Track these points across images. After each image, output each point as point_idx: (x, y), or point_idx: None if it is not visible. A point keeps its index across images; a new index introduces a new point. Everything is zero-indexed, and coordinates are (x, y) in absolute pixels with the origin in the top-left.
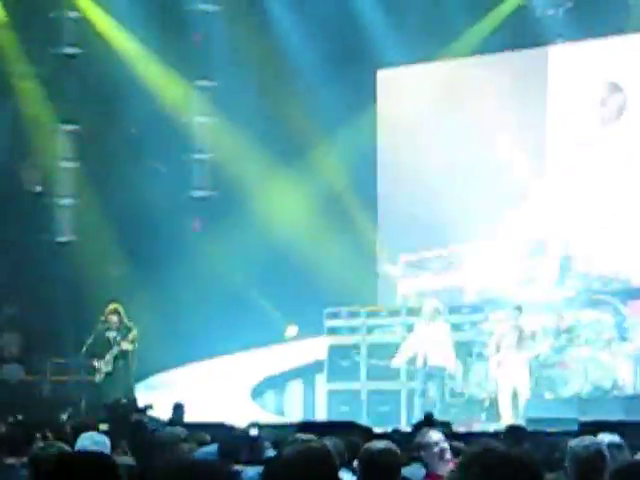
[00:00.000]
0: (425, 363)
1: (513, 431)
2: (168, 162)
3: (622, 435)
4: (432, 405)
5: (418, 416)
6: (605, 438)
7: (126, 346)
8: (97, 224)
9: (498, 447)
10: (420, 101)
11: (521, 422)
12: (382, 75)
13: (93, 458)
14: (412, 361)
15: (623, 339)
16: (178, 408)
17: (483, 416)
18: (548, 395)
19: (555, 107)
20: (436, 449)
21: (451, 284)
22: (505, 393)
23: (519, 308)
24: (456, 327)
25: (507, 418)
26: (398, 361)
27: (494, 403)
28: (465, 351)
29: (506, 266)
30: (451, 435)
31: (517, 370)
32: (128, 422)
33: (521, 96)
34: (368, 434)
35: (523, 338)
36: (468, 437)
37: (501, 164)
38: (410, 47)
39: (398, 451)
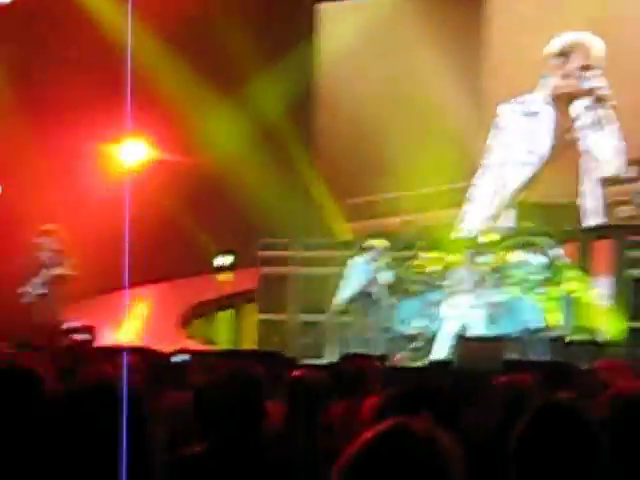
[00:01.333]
0: (364, 298)
1: (438, 366)
2: None
3: (545, 374)
4: (362, 339)
5: (344, 349)
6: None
7: (59, 271)
8: None
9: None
10: (358, 36)
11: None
12: (321, 8)
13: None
14: (354, 297)
15: (554, 281)
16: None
17: (414, 352)
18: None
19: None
20: None
21: (387, 225)
22: (450, 333)
23: (476, 252)
24: (390, 265)
25: (442, 355)
26: (341, 297)
27: (427, 339)
28: (398, 288)
29: (445, 209)
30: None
31: (472, 312)
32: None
33: (460, 37)
34: (292, 364)
35: (478, 280)
36: (397, 371)
37: (438, 106)
38: None
39: (320, 380)
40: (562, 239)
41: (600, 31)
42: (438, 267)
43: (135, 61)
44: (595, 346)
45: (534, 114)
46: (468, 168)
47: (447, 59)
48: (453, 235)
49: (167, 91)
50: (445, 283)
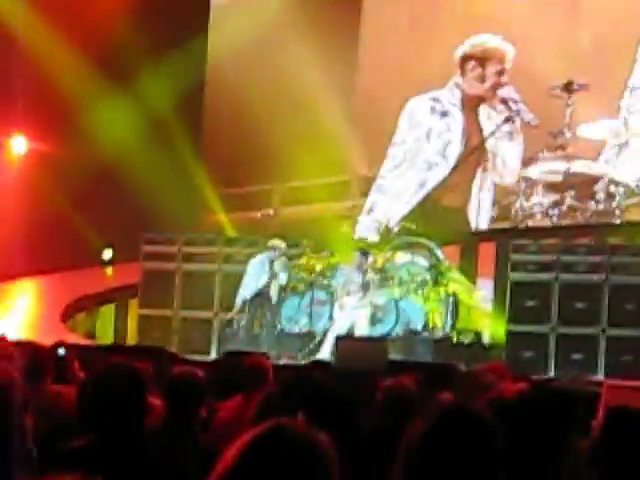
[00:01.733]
0: (261, 296)
1: (317, 366)
2: None
3: (428, 375)
4: (246, 336)
5: (230, 347)
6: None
7: None
8: None
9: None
10: (249, 32)
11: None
12: (215, 3)
13: None
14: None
15: (436, 282)
16: None
17: (300, 350)
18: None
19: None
20: None
21: (274, 219)
22: (339, 330)
23: (365, 253)
24: (287, 264)
25: (326, 354)
26: (241, 295)
27: (311, 338)
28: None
29: (326, 203)
30: None
31: (358, 312)
32: None
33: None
34: (175, 360)
35: (366, 280)
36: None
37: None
38: None
39: (201, 377)
40: (447, 241)
41: (471, 31)
42: (324, 266)
43: (24, 54)
44: (477, 348)
45: (445, 114)
46: (343, 162)
47: (329, 55)
48: (342, 232)
49: (57, 83)
50: (333, 283)
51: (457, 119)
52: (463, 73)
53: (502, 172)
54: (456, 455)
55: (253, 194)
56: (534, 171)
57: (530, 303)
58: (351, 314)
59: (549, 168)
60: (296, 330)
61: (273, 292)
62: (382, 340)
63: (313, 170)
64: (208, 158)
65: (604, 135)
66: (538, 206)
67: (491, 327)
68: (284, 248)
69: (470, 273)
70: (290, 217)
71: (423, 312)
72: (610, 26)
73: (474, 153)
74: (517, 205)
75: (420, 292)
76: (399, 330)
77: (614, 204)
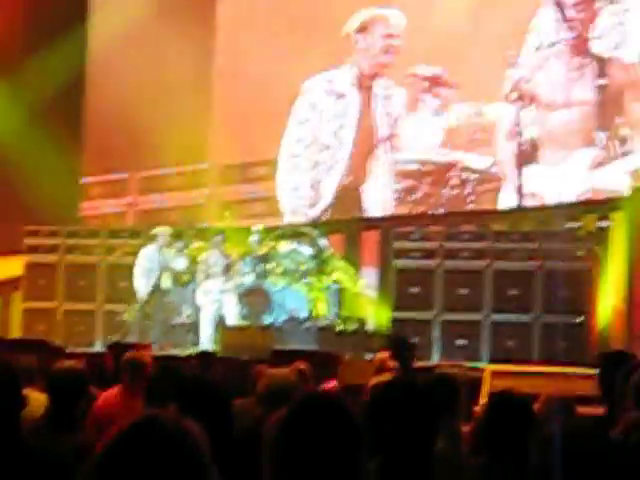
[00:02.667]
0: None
1: (204, 356)
2: None
3: (312, 364)
4: (128, 327)
5: (120, 338)
6: (299, 365)
7: None
8: None
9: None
10: (130, 17)
11: (218, 348)
12: None
13: None
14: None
15: (320, 271)
16: None
17: (181, 340)
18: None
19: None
20: None
21: (151, 207)
22: (209, 318)
23: (223, 233)
24: (152, 252)
25: (207, 343)
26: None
27: (195, 329)
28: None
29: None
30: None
31: (227, 297)
32: None
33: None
34: (59, 353)
35: (230, 265)
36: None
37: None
38: None
39: (83, 370)
40: (331, 229)
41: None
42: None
43: None
44: (361, 335)
45: (341, 95)
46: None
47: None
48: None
49: None
50: (200, 269)
51: (353, 100)
52: (353, 49)
53: (398, 151)
54: (311, 442)
55: (117, 182)
56: (394, 162)
57: (414, 290)
58: (218, 298)
59: (406, 156)
60: (181, 320)
61: (163, 281)
62: (267, 329)
63: (174, 157)
64: (89, 147)
65: (455, 122)
66: (394, 192)
67: (375, 315)
68: (168, 234)
69: (354, 261)
70: (150, 206)
71: (307, 301)
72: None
73: (369, 133)
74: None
75: (304, 281)
76: (284, 319)
77: (467, 190)
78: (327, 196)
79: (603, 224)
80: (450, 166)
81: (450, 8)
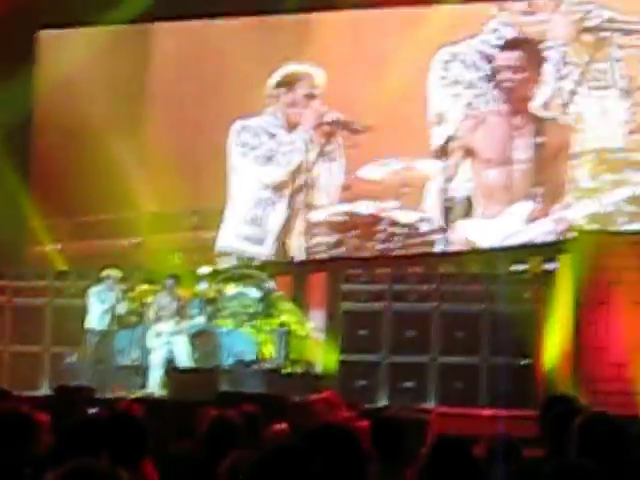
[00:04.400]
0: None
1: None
2: None
3: (263, 407)
4: (77, 370)
5: (68, 381)
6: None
7: None
8: None
9: None
10: (80, 65)
11: (166, 391)
12: (43, 35)
13: None
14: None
15: (267, 314)
16: None
17: (132, 383)
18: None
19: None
20: None
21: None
22: (159, 361)
23: (175, 277)
24: (101, 294)
25: (155, 386)
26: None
27: (145, 371)
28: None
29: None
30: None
31: (177, 340)
32: None
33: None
34: (5, 396)
35: (180, 308)
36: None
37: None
38: (73, 10)
39: (26, 413)
40: (278, 271)
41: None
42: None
43: None
44: (309, 378)
45: (272, 135)
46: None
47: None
48: (175, 263)
49: None
50: (150, 312)
51: (283, 138)
52: (276, 101)
53: (320, 194)
54: None
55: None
56: (321, 213)
57: (362, 332)
58: (169, 340)
59: (334, 209)
60: (127, 362)
61: (110, 323)
62: (213, 371)
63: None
64: (36, 189)
65: (383, 176)
66: (322, 246)
67: (323, 357)
68: (118, 277)
69: (301, 303)
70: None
71: (255, 343)
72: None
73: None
74: (300, 243)
75: (251, 323)
76: (231, 361)
77: (394, 244)
78: (272, 235)
79: (549, 266)
80: (377, 219)
81: (381, 63)
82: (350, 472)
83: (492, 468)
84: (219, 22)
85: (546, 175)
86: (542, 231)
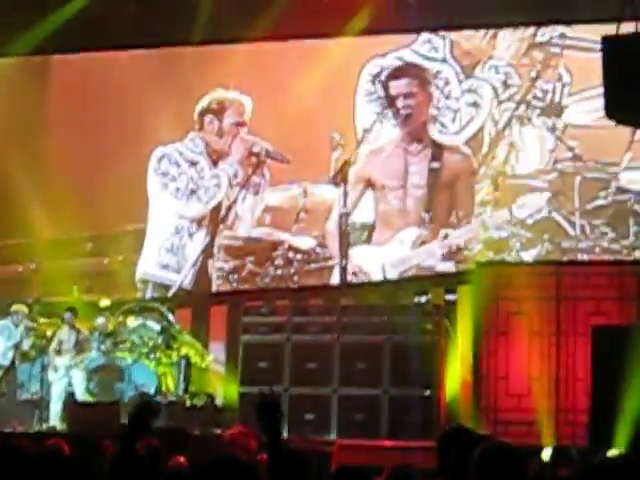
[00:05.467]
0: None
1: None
2: None
3: (162, 439)
4: None
5: None
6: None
7: None
8: None
9: None
10: None
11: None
12: None
13: None
14: None
15: (167, 346)
16: None
17: (27, 417)
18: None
19: None
20: None
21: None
22: (58, 395)
23: (73, 310)
24: (5, 330)
25: (56, 420)
26: None
27: (47, 405)
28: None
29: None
30: None
31: (75, 374)
32: None
33: None
34: None
35: (80, 341)
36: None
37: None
38: None
39: None
40: (178, 303)
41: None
42: (52, 331)
43: None
44: (210, 410)
45: (193, 163)
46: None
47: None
48: (74, 295)
49: None
50: (51, 345)
51: (204, 168)
52: (201, 127)
53: (234, 226)
54: None
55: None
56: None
57: (262, 364)
58: (67, 375)
59: (231, 234)
60: (26, 396)
61: (14, 357)
62: (113, 404)
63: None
64: None
65: (282, 201)
66: (219, 271)
67: (224, 389)
68: (25, 313)
69: (202, 336)
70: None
71: (155, 376)
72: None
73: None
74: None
75: (152, 356)
76: (131, 394)
77: (292, 270)
78: (189, 263)
79: (450, 297)
80: (275, 245)
81: (291, 88)
82: None
83: None
84: (122, 54)
85: (439, 200)
86: (428, 255)
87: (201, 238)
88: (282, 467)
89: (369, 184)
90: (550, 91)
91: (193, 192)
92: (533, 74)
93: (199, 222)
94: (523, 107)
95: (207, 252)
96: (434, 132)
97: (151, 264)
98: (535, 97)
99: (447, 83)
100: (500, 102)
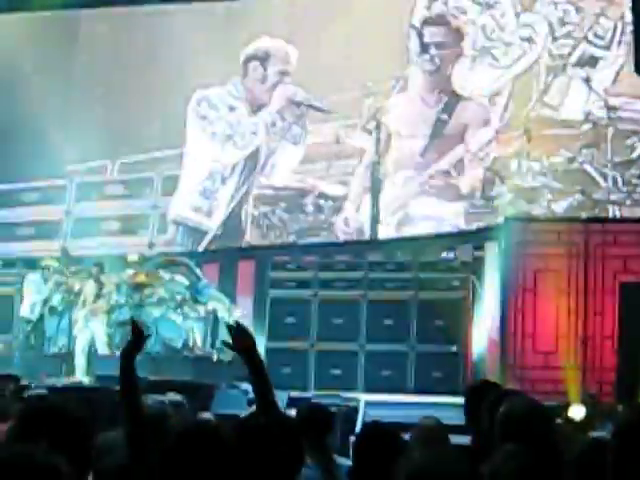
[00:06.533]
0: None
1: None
2: None
3: (189, 395)
4: (5, 358)
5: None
6: (169, 397)
7: None
8: None
9: None
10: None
11: (92, 379)
12: None
13: None
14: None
15: (195, 301)
16: None
17: (60, 371)
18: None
19: None
20: None
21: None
22: (81, 348)
23: (100, 264)
24: (37, 284)
25: (81, 374)
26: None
27: (70, 358)
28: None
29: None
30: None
31: (95, 326)
32: None
33: None
34: None
35: (102, 295)
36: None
37: None
38: None
39: None
40: (206, 259)
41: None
42: (80, 285)
43: None
44: (238, 365)
45: (232, 109)
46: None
47: None
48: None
49: None
50: (78, 300)
51: (243, 115)
52: (246, 74)
53: (270, 174)
54: (192, 469)
55: None
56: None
57: (289, 320)
58: (87, 326)
59: (266, 182)
60: (55, 350)
61: (42, 312)
62: (141, 360)
63: None
64: None
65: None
66: (250, 217)
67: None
68: (55, 268)
69: (229, 291)
70: None
71: (183, 330)
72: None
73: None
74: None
75: (179, 310)
76: (159, 348)
77: (322, 217)
78: (222, 208)
79: (478, 254)
80: (306, 192)
81: (326, 38)
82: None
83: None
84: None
85: (439, 149)
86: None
87: (234, 184)
88: (309, 424)
89: (390, 132)
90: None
91: (229, 137)
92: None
93: (233, 168)
94: (581, 48)
95: (241, 199)
96: (459, 81)
97: (184, 207)
98: (596, 35)
99: (503, 15)
100: (555, 39)
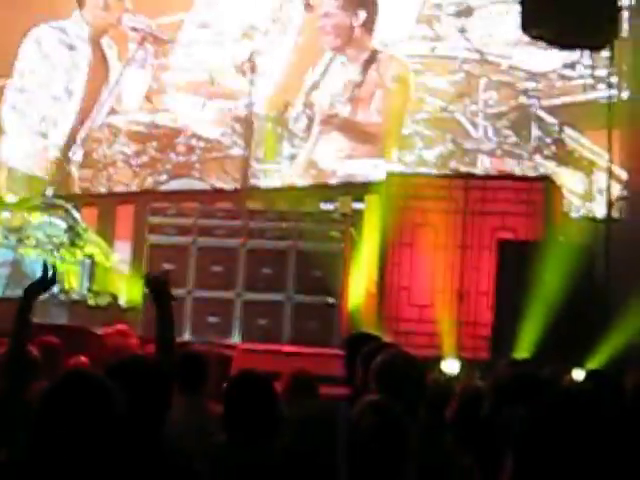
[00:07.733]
0: None
1: None
2: None
3: (62, 338)
4: None
5: None
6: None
7: None
8: None
9: None
10: None
11: None
12: None
13: None
14: None
15: (73, 244)
16: None
17: None
18: None
19: None
20: None
21: None
22: None
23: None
24: None
25: None
26: None
27: None
28: None
29: None
30: None
31: None
32: None
33: None
34: None
35: None
36: None
37: None
38: None
39: None
40: (84, 203)
41: None
42: None
43: None
44: (114, 310)
45: (72, 47)
46: None
47: None
48: None
49: None
50: None
51: (83, 53)
52: (82, 4)
53: (125, 101)
54: (71, 417)
55: None
56: (120, 119)
57: (167, 266)
58: None
59: (134, 118)
60: None
61: None
62: (13, 301)
63: None
64: None
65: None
66: (120, 154)
67: (128, 290)
68: None
69: (108, 235)
70: None
71: (59, 274)
72: None
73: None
74: (100, 152)
75: (56, 254)
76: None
77: (194, 157)
78: (54, 151)
79: (358, 206)
80: (178, 132)
81: None
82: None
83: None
84: None
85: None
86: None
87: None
88: (184, 369)
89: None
90: None
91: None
92: None
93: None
94: None
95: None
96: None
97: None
98: None
99: None
100: None
